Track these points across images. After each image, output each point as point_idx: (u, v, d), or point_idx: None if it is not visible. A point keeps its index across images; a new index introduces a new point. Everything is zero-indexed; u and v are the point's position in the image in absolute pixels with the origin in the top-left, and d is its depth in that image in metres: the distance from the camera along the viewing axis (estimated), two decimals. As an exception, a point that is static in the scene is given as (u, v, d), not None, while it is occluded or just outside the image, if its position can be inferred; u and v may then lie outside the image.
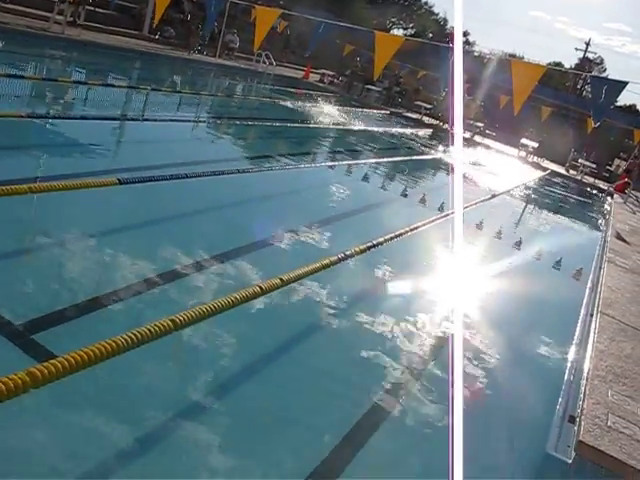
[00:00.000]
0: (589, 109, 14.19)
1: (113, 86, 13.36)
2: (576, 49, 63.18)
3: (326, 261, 5.89)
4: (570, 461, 3.84)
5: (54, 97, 11.32)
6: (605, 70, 65.24)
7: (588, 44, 62.18)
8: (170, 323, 3.85)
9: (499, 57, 42.74)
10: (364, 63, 29.42)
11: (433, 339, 5.50)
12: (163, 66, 19.64)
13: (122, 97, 12.76)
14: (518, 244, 10.58)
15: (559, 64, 61.57)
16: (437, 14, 63.49)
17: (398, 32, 54.93)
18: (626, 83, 11.55)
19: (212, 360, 4.18)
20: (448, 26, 59.52)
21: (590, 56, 62.67)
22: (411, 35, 46.52)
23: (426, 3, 63.31)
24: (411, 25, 58.26)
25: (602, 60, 65.21)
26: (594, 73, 65.87)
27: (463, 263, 6.71)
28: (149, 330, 3.70)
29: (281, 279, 5.09)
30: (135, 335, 3.59)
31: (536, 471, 3.93)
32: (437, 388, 4.55)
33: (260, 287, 4.82)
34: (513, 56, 51.79)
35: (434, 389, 4.53)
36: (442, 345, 5.41)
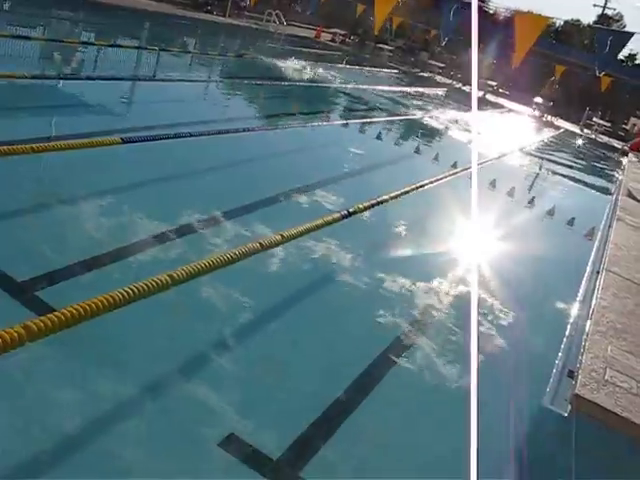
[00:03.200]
0: (595, 61, 13.90)
1: (119, 46, 13.25)
2: (594, 5, 61.45)
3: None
4: (566, 414, 3.86)
5: (60, 58, 11.26)
6: (625, 26, 63.55)
7: (607, -3, 60.61)
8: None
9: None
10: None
11: (444, 294, 5.52)
12: (169, 26, 19.43)
13: (126, 57, 12.67)
14: (529, 202, 10.53)
15: (577, 21, 60.21)
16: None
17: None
18: (632, 34, 11.32)
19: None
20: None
21: (609, 12, 61.22)
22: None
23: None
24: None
25: (621, 16, 63.49)
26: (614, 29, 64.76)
27: (475, 222, 6.74)
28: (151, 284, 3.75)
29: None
30: (134, 289, 3.64)
31: (533, 424, 3.95)
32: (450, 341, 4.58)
33: (281, 235, 4.96)
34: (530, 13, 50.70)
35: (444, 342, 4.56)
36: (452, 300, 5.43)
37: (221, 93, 12.63)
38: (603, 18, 59.94)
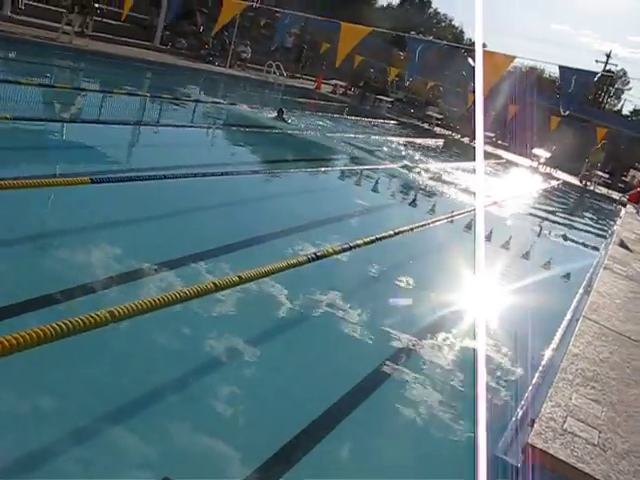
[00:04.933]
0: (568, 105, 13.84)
1: (114, 94, 13.39)
2: (596, 61, 62.24)
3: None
4: (519, 464, 3.65)
5: (69, 104, 11.61)
6: (628, 82, 64.19)
7: (609, 56, 61.48)
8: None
9: (516, 69, 42.39)
10: (376, 74, 29.41)
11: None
12: (172, 76, 19.69)
13: (127, 105, 12.88)
14: (506, 246, 10.41)
15: (581, 77, 60.86)
16: (457, 27, 63.50)
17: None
18: (596, 73, 11.28)
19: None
20: (465, 38, 59.16)
21: (612, 68, 61.94)
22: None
23: (445, 15, 63.45)
24: (430, 37, 58.19)
25: (625, 72, 64.15)
26: (617, 86, 65.36)
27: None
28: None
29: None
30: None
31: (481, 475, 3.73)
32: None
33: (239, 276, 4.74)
34: (534, 69, 51.33)
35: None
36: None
37: (213, 140, 12.70)
38: (606, 74, 60.70)
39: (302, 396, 4.35)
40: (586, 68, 12.45)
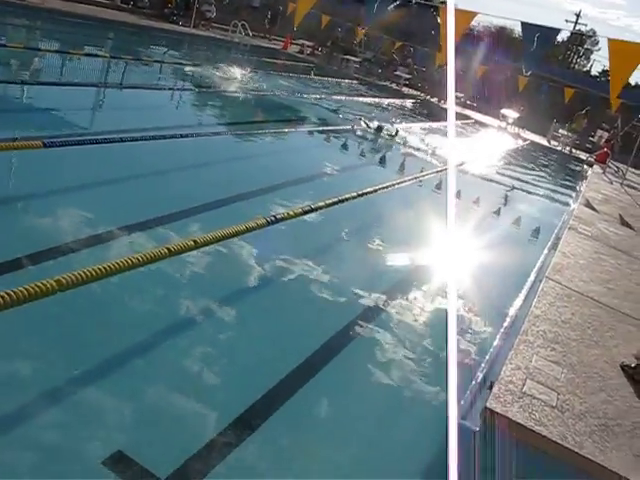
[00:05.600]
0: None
1: (71, 54, 12.95)
2: (566, 21, 62.22)
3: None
4: (477, 429, 3.60)
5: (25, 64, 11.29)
6: (598, 42, 64.22)
7: (579, 15, 61.52)
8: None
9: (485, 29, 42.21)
10: (344, 34, 28.97)
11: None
12: (132, 36, 19.13)
13: (84, 66, 12.48)
14: (473, 206, 10.39)
15: (550, 37, 60.72)
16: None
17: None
18: (559, 30, 11.13)
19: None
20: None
21: (582, 29, 61.85)
22: (396, 7, 45.63)
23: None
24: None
25: (594, 32, 64.13)
26: (586, 46, 65.37)
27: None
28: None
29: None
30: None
31: (439, 440, 3.69)
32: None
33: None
34: (503, 28, 51.05)
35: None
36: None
37: (175, 102, 12.39)
38: (576, 34, 60.63)
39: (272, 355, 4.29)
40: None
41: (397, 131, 14.01)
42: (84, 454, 2.94)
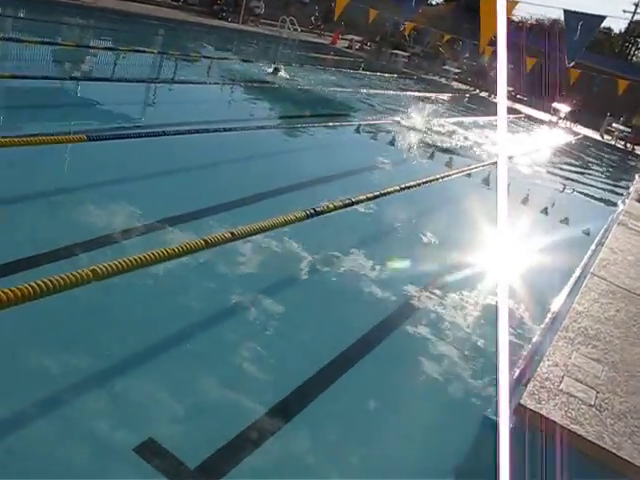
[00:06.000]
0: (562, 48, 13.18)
1: (123, 51, 13.18)
2: (624, 11, 60.29)
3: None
4: (510, 426, 3.53)
5: (79, 61, 11.58)
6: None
7: (637, 5, 59.54)
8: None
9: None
10: (392, 28, 28.79)
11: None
12: (183, 33, 19.38)
13: (136, 63, 12.72)
14: (525, 200, 10.19)
15: (608, 29, 59.15)
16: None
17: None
18: (603, 18, 10.72)
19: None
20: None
21: (640, 18, 59.80)
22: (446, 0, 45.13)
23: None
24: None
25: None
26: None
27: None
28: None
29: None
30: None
31: (473, 436, 3.64)
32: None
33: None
34: (556, 21, 49.92)
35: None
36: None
37: (223, 96, 12.51)
38: (634, 25, 58.71)
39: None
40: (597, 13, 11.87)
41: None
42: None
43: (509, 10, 11.64)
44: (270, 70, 15.25)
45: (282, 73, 15.31)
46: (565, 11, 11.68)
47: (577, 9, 14.37)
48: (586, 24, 10.93)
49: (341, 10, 15.39)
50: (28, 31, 12.30)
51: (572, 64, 12.92)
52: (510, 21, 32.42)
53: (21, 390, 3.15)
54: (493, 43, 21.99)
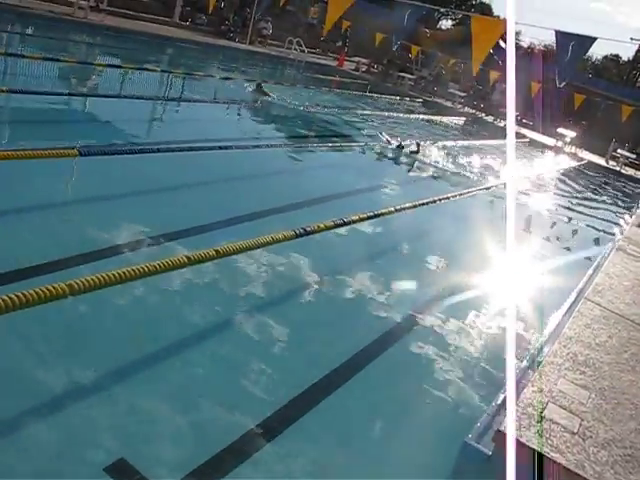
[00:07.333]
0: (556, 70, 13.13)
1: (127, 69, 13.25)
2: (631, 39, 60.47)
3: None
4: (490, 453, 3.43)
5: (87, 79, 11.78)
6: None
7: (645, 33, 59.69)
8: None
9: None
10: (400, 51, 28.91)
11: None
12: (188, 51, 19.49)
13: (139, 81, 12.80)
14: (527, 227, 10.12)
15: (616, 56, 59.39)
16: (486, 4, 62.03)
17: (446, 23, 53.89)
18: (594, 39, 10.71)
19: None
20: (495, 14, 57.65)
21: (649, 47, 59.94)
22: (455, 24, 45.38)
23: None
24: (460, 16, 56.84)
25: (662, 49, 62.03)
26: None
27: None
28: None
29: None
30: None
31: (452, 464, 3.54)
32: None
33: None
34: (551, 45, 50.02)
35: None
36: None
37: (225, 116, 12.53)
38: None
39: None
40: (606, 38, 11.87)
41: (418, 147, 12.95)
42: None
43: (499, 30, 11.60)
44: (274, 90, 15.28)
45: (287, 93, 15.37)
46: (556, 32, 11.68)
47: (559, 28, 14.20)
48: (577, 45, 10.92)
49: (331, 25, 15.36)
50: (38, 48, 12.42)
51: (563, 84, 12.87)
52: (518, 47, 32.58)
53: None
54: (489, 64, 22.07)
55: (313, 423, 3.66)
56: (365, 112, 17.03)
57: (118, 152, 6.70)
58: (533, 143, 23.40)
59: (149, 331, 4.15)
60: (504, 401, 4.07)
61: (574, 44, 10.97)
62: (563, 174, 18.45)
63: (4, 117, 8.07)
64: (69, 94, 9.82)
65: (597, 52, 58.64)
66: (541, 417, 3.63)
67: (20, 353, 3.53)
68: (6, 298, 3.27)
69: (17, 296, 3.33)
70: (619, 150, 23.05)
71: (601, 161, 23.48)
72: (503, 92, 24.08)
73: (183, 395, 3.59)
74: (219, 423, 3.43)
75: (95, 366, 3.57)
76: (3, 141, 7.03)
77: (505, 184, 11.93)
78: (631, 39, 60.66)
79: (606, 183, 20.04)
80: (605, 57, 60.57)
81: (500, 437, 3.39)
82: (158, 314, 4.40)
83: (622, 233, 10.48)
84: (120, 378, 3.63)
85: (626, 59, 53.59)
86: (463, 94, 27.28)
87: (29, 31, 14.89)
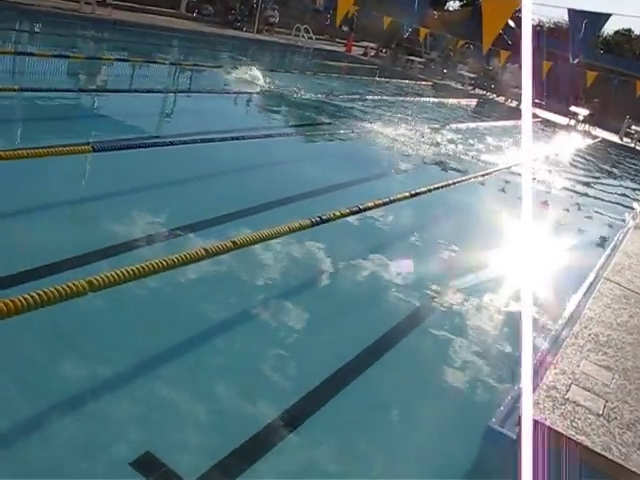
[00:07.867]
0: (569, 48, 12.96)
1: (137, 62, 13.24)
2: (644, 13, 59.59)
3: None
4: (514, 437, 3.42)
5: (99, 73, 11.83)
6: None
7: (657, 7, 58.81)
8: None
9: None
10: (408, 35, 28.69)
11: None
12: (197, 43, 19.44)
13: (150, 74, 12.81)
14: (544, 206, 10.05)
15: (629, 30, 58.55)
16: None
17: (454, 5, 53.34)
18: (609, 15, 10.52)
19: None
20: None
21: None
22: (463, 5, 44.97)
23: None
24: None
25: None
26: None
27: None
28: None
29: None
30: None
31: (477, 448, 3.53)
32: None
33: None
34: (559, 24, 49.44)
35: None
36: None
37: (235, 106, 12.49)
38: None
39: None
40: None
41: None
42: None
43: (510, 9, 11.44)
44: (284, 78, 15.18)
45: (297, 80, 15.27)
46: (569, 10, 11.52)
47: (572, 6, 13.91)
48: (590, 22, 10.75)
49: (342, 17, 15.23)
50: (46, 45, 12.44)
51: (577, 61, 12.70)
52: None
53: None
54: (499, 44, 21.82)
55: (337, 408, 3.66)
56: (375, 97, 16.93)
57: (131, 146, 6.70)
58: (545, 122, 23.19)
59: (169, 322, 4.17)
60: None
61: (587, 22, 10.81)
62: (577, 153, 18.29)
63: (17, 115, 8.08)
64: (79, 90, 9.84)
65: (609, 27, 57.78)
66: (565, 399, 3.61)
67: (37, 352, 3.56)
68: (27, 297, 3.30)
69: (38, 294, 3.36)
70: (633, 126, 22.79)
71: (615, 138, 23.25)
72: (513, 72, 23.84)
73: (204, 385, 3.60)
74: (240, 413, 3.45)
75: (116, 358, 3.60)
76: (17, 140, 7.03)
77: (520, 164, 11.84)
78: (644, 13, 59.58)
79: (621, 160, 19.86)
80: (616, 32, 59.78)
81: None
82: (175, 305, 4.42)
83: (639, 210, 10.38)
84: (142, 371, 3.66)
85: (639, 33, 52.74)
86: (473, 75, 27.05)
87: (37, 29, 14.88)
